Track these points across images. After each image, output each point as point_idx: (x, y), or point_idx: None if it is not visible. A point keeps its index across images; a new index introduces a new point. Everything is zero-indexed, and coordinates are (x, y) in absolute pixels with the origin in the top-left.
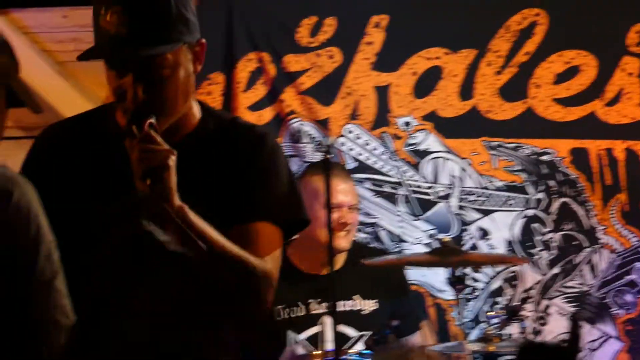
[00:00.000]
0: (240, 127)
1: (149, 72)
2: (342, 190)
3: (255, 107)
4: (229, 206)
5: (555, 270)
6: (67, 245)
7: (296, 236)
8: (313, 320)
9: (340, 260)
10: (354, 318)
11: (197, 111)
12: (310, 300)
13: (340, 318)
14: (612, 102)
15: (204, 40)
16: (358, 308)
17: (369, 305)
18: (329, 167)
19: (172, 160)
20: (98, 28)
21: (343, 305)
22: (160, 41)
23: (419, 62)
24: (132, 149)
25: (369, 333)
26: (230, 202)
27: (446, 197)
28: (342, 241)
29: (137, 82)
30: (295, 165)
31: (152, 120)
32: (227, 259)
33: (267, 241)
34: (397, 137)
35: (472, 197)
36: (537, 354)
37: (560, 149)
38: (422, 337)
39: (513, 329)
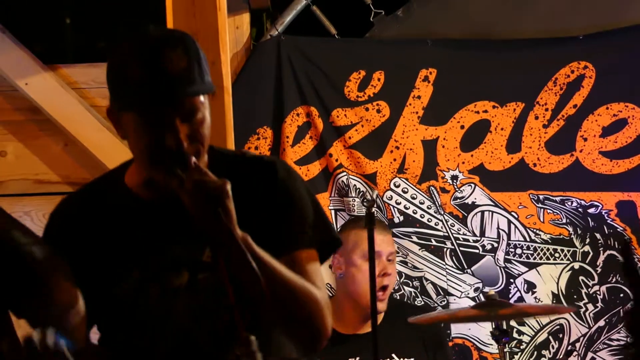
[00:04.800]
0: (250, 160)
1: (194, 112)
2: (381, 241)
3: (303, 161)
4: (267, 239)
5: (601, 323)
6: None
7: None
8: None
9: (379, 319)
10: None
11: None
12: None
13: None
14: None
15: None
16: None
17: None
18: (373, 220)
19: (229, 188)
20: (130, 76)
21: None
22: (206, 81)
23: (467, 116)
24: (185, 186)
25: None
26: (266, 234)
27: (493, 250)
28: (381, 304)
29: (183, 123)
30: (342, 220)
31: (195, 160)
32: (290, 287)
33: (313, 268)
34: (444, 190)
35: (518, 251)
36: None
37: (606, 201)
38: None
39: None
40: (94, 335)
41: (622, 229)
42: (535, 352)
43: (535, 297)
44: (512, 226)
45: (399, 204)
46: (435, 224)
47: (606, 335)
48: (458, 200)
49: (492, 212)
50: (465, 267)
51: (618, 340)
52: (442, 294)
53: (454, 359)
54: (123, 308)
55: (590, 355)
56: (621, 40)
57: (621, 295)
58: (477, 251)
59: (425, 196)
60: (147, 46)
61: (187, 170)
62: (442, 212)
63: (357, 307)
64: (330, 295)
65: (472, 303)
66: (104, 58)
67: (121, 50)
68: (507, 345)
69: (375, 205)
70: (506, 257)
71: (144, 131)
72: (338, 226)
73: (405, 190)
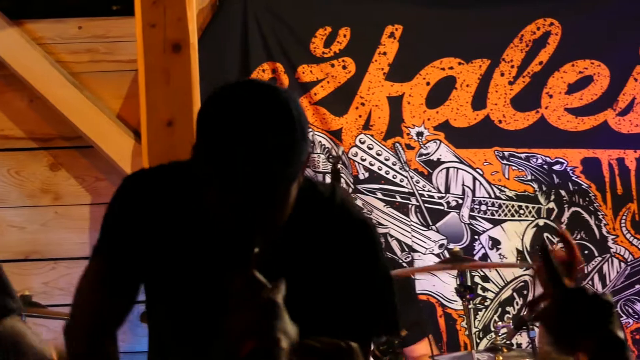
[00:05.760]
0: (340, 213)
1: (282, 200)
2: None
3: None
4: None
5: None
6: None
7: None
8: None
9: None
10: None
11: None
12: None
13: None
14: (625, 111)
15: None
16: None
17: None
18: (338, 177)
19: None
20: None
21: None
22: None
23: (433, 72)
24: (233, 284)
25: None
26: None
27: (457, 207)
28: None
29: (263, 210)
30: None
31: (257, 250)
32: None
33: None
34: (409, 147)
35: (483, 207)
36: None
37: (571, 158)
38: (427, 346)
39: (521, 339)
40: None
41: (587, 185)
42: (500, 309)
43: (500, 254)
44: (477, 183)
45: (364, 160)
46: (400, 181)
47: None
48: (423, 157)
49: (457, 168)
50: (430, 223)
51: None
52: (406, 250)
53: (421, 316)
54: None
55: None
56: None
57: (586, 252)
58: (441, 208)
59: (391, 153)
60: (239, 126)
61: (244, 267)
62: (407, 169)
63: None
64: None
65: (437, 260)
66: (69, 13)
67: (210, 118)
68: (471, 301)
69: (340, 162)
70: (471, 213)
71: (219, 208)
72: None
73: (371, 146)
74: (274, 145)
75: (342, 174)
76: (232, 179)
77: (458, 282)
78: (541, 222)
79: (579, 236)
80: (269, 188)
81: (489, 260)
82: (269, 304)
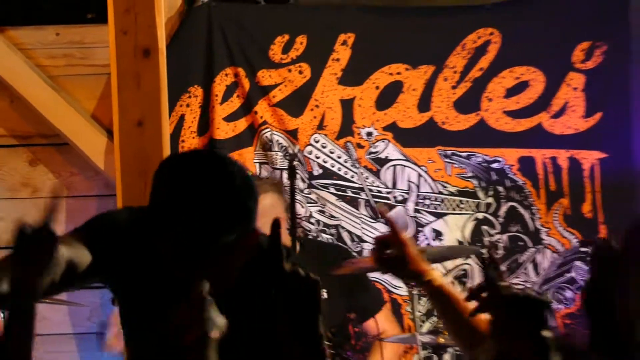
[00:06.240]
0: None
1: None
2: (270, 205)
3: (231, 118)
4: None
5: (502, 268)
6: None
7: None
8: None
9: None
10: None
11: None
12: None
13: None
14: (558, 114)
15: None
16: None
17: None
18: (294, 173)
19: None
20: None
21: None
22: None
23: (382, 77)
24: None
25: None
26: None
27: (403, 201)
28: None
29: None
30: (265, 172)
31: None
32: None
33: None
34: (360, 146)
35: (427, 202)
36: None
37: (508, 157)
38: (381, 322)
39: None
40: None
41: (522, 182)
42: None
43: (442, 245)
44: (422, 179)
45: (318, 158)
46: (351, 177)
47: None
48: (372, 155)
49: (404, 166)
50: (378, 216)
51: (517, 284)
52: (356, 240)
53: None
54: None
55: None
56: (526, 9)
57: (520, 243)
58: (389, 202)
59: (343, 151)
60: (192, 186)
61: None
62: (358, 166)
63: None
64: None
65: None
66: (48, 21)
67: (163, 184)
68: (415, 287)
69: (296, 159)
70: (416, 207)
71: (165, 251)
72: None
73: (324, 145)
74: (210, 216)
75: (297, 170)
76: (174, 239)
77: None
78: (480, 215)
79: (515, 229)
80: (200, 250)
81: None
82: (198, 300)
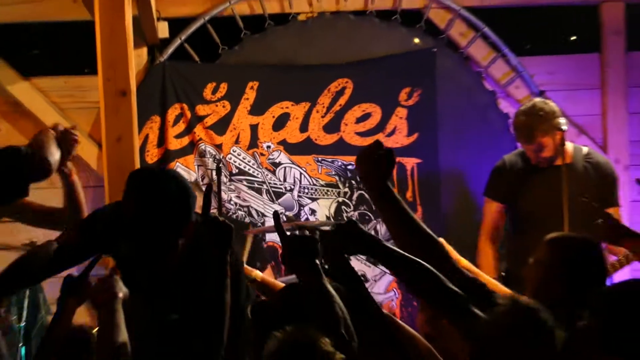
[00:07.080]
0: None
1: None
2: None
3: (178, 136)
4: None
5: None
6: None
7: None
8: None
9: None
10: None
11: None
12: None
13: None
14: (390, 134)
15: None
16: None
17: None
18: (220, 171)
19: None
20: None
21: None
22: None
23: (276, 110)
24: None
25: None
26: None
27: (291, 190)
28: None
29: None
30: (201, 171)
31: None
32: None
33: None
34: (262, 154)
35: (306, 190)
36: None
37: None
38: (270, 272)
39: None
40: None
41: None
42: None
43: (316, 218)
44: (302, 176)
45: (235, 162)
46: (257, 175)
47: None
48: (270, 160)
49: (291, 167)
50: (275, 200)
51: None
52: (260, 215)
53: (267, 255)
54: None
55: None
56: (368, 65)
57: (367, 217)
58: (281, 190)
59: (251, 158)
60: (135, 196)
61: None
62: (261, 168)
63: None
64: None
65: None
66: (59, 73)
67: (127, 187)
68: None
69: (221, 163)
70: (299, 194)
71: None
72: (199, 176)
73: (240, 154)
74: (149, 213)
75: (222, 170)
76: (125, 225)
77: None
78: (340, 199)
79: (363, 207)
80: (141, 235)
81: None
82: (109, 277)
